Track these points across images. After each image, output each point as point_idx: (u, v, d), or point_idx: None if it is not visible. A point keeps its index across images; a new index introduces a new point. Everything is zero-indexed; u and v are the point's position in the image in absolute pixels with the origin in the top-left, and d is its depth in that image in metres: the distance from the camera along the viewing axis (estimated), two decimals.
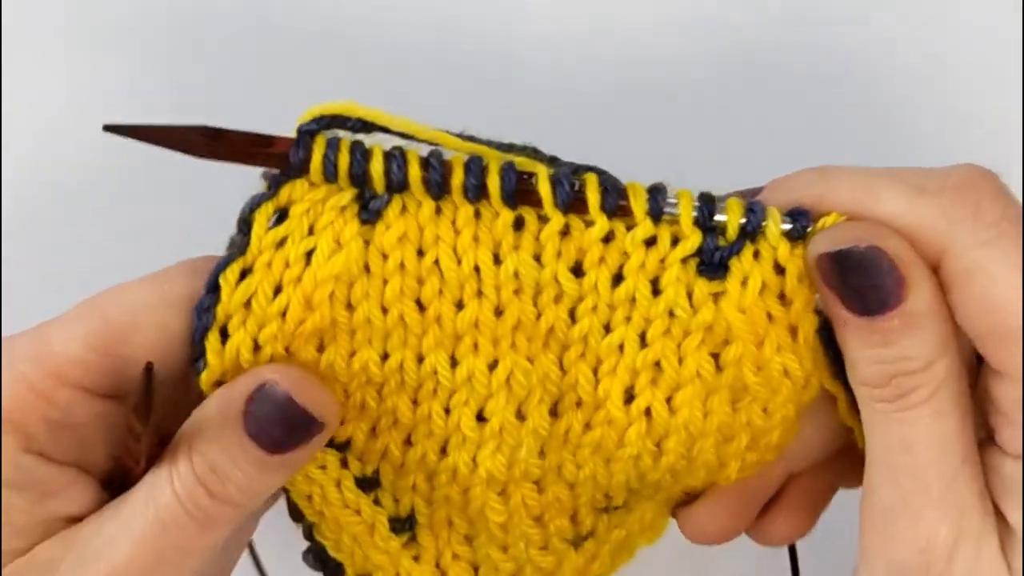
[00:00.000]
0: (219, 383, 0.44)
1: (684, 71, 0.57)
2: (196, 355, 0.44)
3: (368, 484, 0.48)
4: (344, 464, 0.47)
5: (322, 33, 0.54)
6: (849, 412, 0.45)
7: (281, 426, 0.44)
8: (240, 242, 0.43)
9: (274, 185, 0.43)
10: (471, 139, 0.44)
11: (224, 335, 0.44)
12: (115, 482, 0.46)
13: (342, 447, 0.47)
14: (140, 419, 0.43)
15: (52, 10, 0.56)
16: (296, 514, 0.50)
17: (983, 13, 0.58)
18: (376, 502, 0.49)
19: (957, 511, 0.42)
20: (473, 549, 0.49)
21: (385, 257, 0.43)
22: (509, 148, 0.44)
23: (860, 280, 0.41)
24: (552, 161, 0.45)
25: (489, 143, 0.44)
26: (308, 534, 0.50)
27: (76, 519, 0.45)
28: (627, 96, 0.56)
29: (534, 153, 0.44)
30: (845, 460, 0.49)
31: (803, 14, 0.57)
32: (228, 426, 0.44)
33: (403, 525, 0.49)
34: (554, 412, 0.45)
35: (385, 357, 0.45)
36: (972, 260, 0.41)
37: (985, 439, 0.44)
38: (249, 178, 0.45)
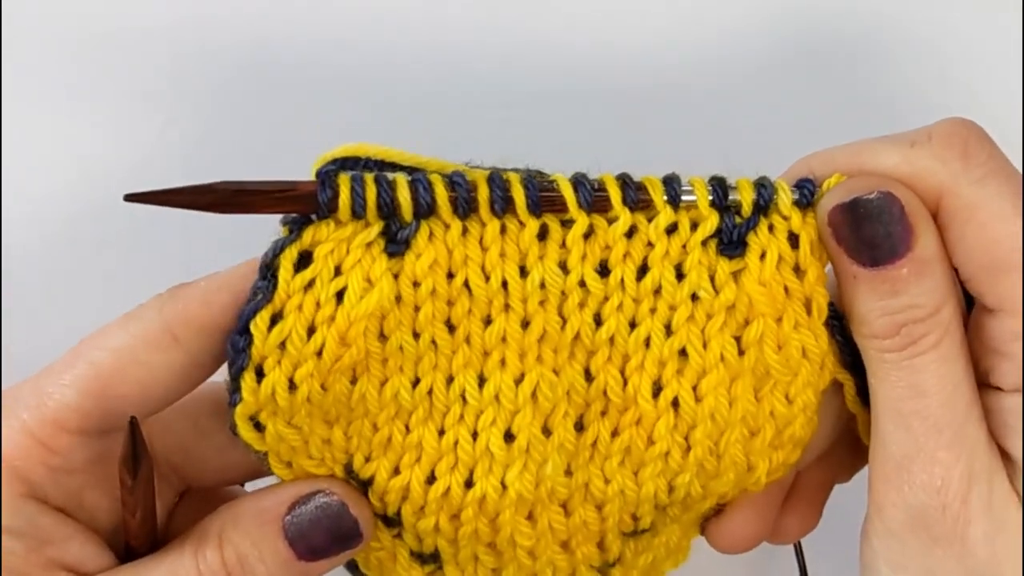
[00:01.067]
0: (253, 418, 0.45)
1: (687, 65, 0.58)
2: (232, 389, 0.44)
3: (389, 522, 0.49)
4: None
5: (321, 78, 0.54)
6: (856, 400, 0.47)
7: (328, 534, 0.46)
8: (266, 288, 0.43)
9: (296, 228, 0.44)
10: (478, 168, 0.45)
11: (259, 374, 0.44)
12: (126, 543, 0.47)
13: (364, 485, 0.47)
14: (129, 471, 0.44)
15: (53, 58, 0.56)
16: None
17: (986, 10, 0.60)
18: (398, 536, 0.49)
19: (968, 451, 0.44)
20: None
21: (417, 285, 0.44)
22: (516, 172, 0.45)
23: (872, 228, 0.44)
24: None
25: (496, 170, 0.45)
26: None
27: (75, 570, 0.45)
28: (631, 98, 0.57)
29: (539, 175, 0.46)
30: (840, 454, 0.51)
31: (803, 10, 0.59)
32: (266, 525, 0.46)
33: (428, 560, 0.49)
34: (579, 427, 0.46)
35: (416, 383, 0.45)
36: (967, 198, 0.44)
37: (979, 385, 0.46)
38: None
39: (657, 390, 0.46)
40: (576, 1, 0.56)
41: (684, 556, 0.52)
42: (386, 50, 0.55)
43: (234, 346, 0.44)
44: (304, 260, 0.43)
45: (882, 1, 0.59)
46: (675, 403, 0.46)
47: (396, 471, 0.47)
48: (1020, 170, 0.50)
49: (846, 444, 0.49)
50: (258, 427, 0.45)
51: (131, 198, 0.42)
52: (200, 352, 0.45)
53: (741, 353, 0.45)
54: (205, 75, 0.54)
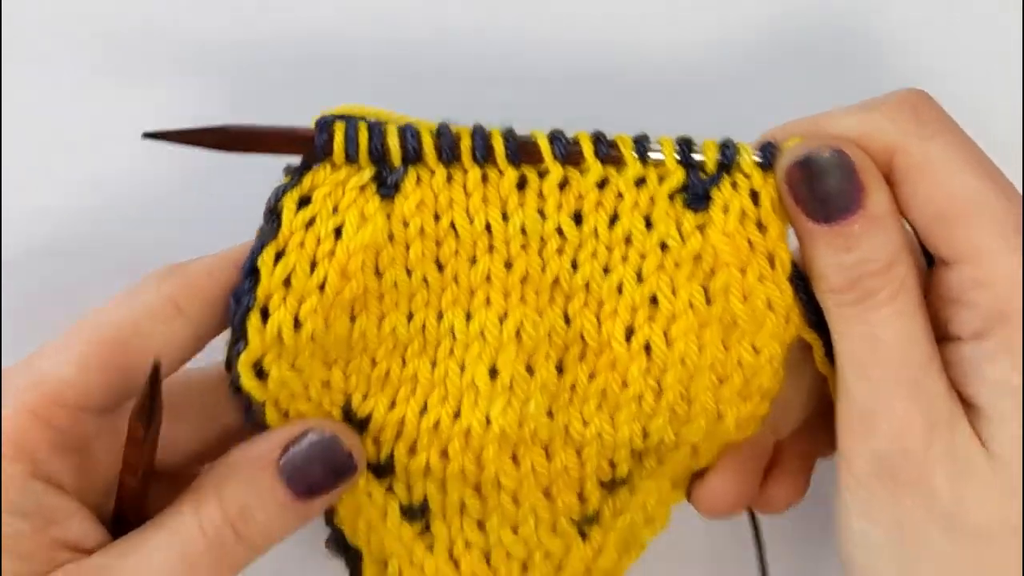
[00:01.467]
0: (257, 364, 0.48)
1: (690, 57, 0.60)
2: (236, 339, 0.47)
3: (382, 471, 0.51)
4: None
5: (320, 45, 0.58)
6: (824, 360, 0.50)
7: (323, 466, 0.48)
8: (270, 229, 0.47)
9: (296, 175, 0.48)
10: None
11: (264, 315, 0.47)
12: (117, 510, 0.48)
13: (362, 426, 0.50)
14: (143, 421, 0.45)
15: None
16: None
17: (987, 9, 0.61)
18: (389, 490, 0.52)
19: (928, 401, 0.46)
20: (485, 535, 0.52)
21: (406, 224, 0.48)
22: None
23: (825, 185, 0.47)
24: None
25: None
26: (328, 519, 0.53)
27: (77, 547, 0.46)
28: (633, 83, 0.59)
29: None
30: (821, 426, 0.53)
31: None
32: (262, 471, 0.47)
33: (416, 514, 0.52)
34: (559, 370, 0.49)
35: (410, 318, 0.49)
36: (918, 154, 0.46)
37: (940, 339, 0.47)
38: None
39: (630, 334, 0.49)
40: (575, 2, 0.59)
41: (663, 524, 0.54)
42: (390, 32, 0.58)
43: (238, 294, 0.47)
44: (303, 203, 0.47)
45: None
46: (647, 348, 0.49)
47: (392, 405, 0.50)
48: (1020, 171, 0.54)
49: (827, 417, 0.51)
50: (260, 375, 0.48)
51: (150, 135, 0.46)
52: (202, 321, 0.47)
53: (709, 302, 0.48)
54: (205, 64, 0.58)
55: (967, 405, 0.47)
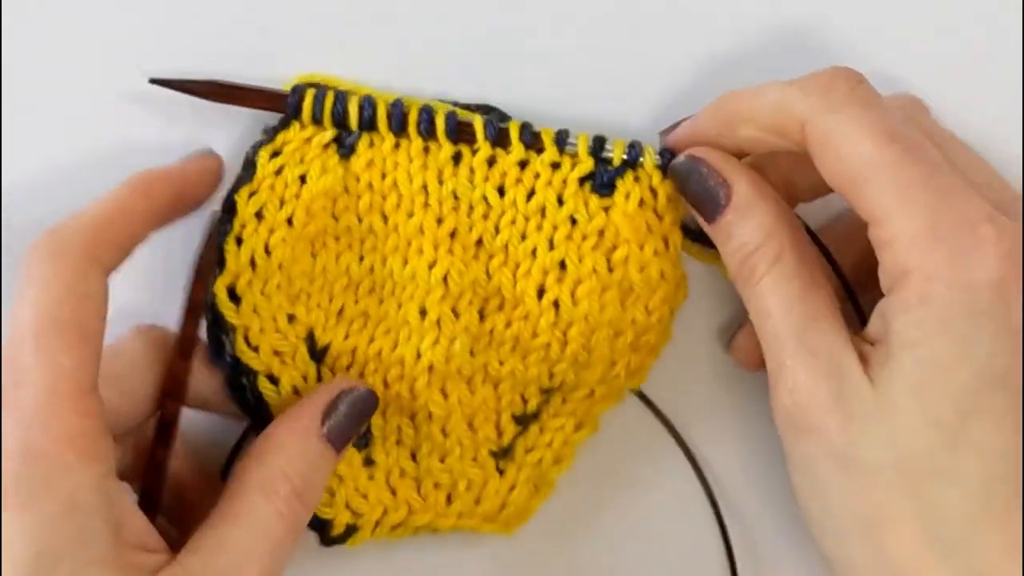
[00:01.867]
0: (231, 288, 0.56)
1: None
2: (217, 263, 0.56)
3: None
4: (319, 378, 0.59)
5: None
6: None
7: (360, 419, 0.55)
8: (246, 175, 0.57)
9: (271, 133, 0.57)
10: (435, 100, 0.59)
11: (239, 243, 0.56)
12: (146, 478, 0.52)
13: (321, 355, 0.59)
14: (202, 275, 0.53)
15: None
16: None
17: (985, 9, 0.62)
18: None
19: (811, 357, 0.50)
20: (417, 464, 0.61)
21: (358, 179, 0.57)
22: (466, 107, 0.59)
23: (693, 188, 0.54)
24: (504, 118, 0.59)
25: (454, 103, 0.59)
26: None
27: (145, 548, 0.47)
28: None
29: (489, 110, 0.59)
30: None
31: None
32: (313, 439, 0.52)
33: (361, 442, 0.60)
34: (481, 317, 0.58)
35: (361, 260, 0.58)
36: (823, 126, 0.49)
37: (870, 293, 0.51)
38: None
39: (541, 293, 0.57)
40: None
41: (567, 463, 0.62)
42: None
43: (216, 221, 0.56)
44: (275, 155, 0.57)
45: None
46: (556, 304, 0.57)
47: (347, 336, 0.59)
48: (1020, 174, 0.58)
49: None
50: (233, 298, 0.57)
51: (156, 81, 0.57)
52: (122, 259, 0.51)
53: (611, 270, 0.57)
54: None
55: (882, 353, 0.49)
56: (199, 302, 0.54)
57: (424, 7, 0.61)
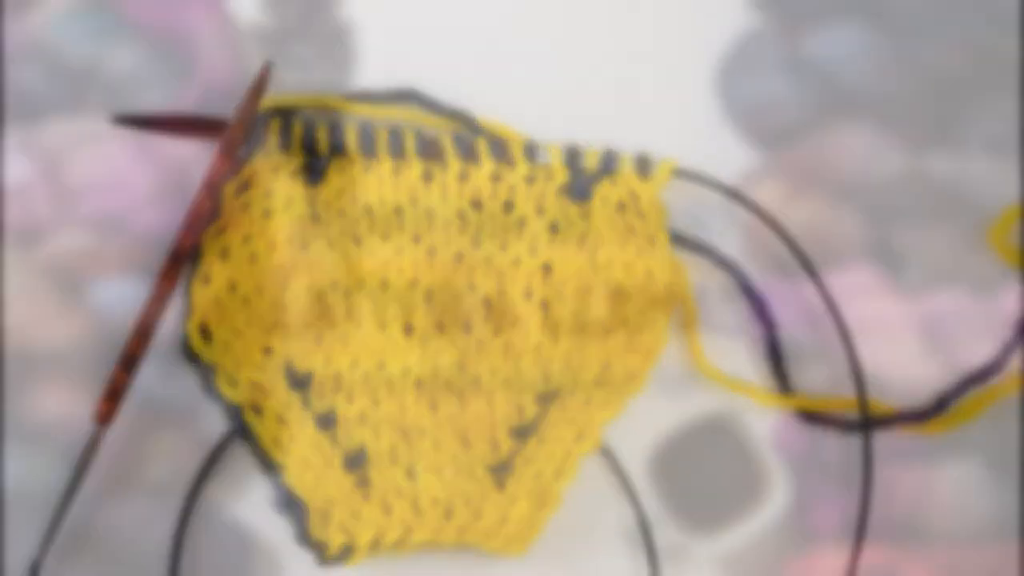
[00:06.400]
0: (203, 327, 0.56)
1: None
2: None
3: (326, 422, 0.59)
4: (305, 405, 0.59)
5: None
6: None
7: None
8: (213, 211, 0.57)
9: (236, 166, 0.57)
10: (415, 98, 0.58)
11: (206, 283, 0.56)
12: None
13: (304, 382, 0.58)
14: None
15: None
16: (267, 464, 0.61)
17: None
18: (334, 440, 0.59)
19: None
20: (413, 481, 0.60)
21: (328, 205, 0.57)
22: (451, 114, 0.58)
23: None
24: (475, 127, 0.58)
25: (433, 104, 0.58)
26: (278, 479, 0.60)
27: None
28: None
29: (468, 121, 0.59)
30: None
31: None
32: None
33: (356, 462, 0.59)
34: (467, 329, 0.58)
35: (335, 286, 0.57)
36: None
37: None
38: None
39: (528, 295, 0.57)
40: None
41: (571, 475, 0.60)
42: None
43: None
44: (242, 189, 0.57)
45: None
46: (544, 305, 0.57)
47: (329, 361, 0.58)
48: (1020, 171, 0.58)
49: None
50: (206, 336, 0.57)
51: (122, 120, 0.57)
52: None
53: (595, 271, 0.57)
54: None
55: None
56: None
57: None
